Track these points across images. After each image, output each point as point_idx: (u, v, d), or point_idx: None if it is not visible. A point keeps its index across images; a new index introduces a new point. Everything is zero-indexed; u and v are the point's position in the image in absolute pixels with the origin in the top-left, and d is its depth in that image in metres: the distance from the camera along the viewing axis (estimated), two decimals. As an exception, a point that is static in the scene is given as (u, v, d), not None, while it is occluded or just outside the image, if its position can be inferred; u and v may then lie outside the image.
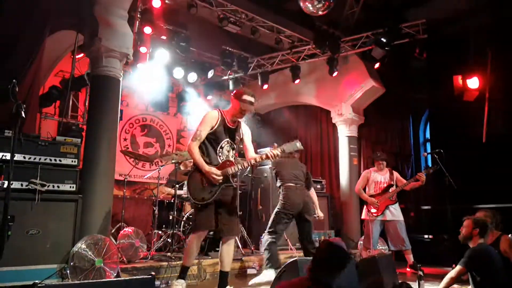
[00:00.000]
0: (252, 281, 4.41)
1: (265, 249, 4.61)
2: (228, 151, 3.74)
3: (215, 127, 3.66)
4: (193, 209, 5.77)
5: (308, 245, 4.71)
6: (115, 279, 3.89)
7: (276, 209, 4.76)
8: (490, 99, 6.55)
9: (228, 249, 3.76)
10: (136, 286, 2.33)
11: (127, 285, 2.34)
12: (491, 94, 6.54)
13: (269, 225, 4.76)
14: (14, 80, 2.88)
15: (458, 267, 3.41)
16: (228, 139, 3.73)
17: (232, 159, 3.75)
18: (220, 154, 3.67)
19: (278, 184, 4.85)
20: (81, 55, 6.32)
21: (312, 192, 5.07)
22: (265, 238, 4.69)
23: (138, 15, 6.10)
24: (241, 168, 3.68)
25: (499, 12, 6.36)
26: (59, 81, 6.70)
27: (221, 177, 3.56)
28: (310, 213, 4.79)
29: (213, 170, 3.55)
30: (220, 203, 3.67)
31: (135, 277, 3.38)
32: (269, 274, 4.41)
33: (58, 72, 6.99)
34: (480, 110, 6.54)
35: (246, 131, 3.93)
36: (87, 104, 6.65)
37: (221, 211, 3.68)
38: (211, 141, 3.67)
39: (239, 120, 3.84)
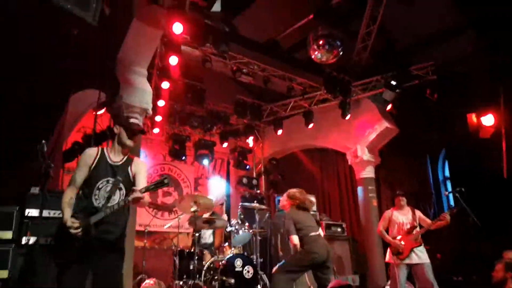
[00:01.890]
0: None
1: None
2: (110, 192, 3.02)
3: (93, 165, 3.07)
4: (211, 259, 5.73)
5: None
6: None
7: (298, 257, 4.59)
8: (507, 135, 6.52)
9: None
10: None
11: None
12: (507, 129, 6.52)
13: (288, 268, 4.58)
14: (43, 141, 3.01)
15: None
16: (109, 178, 3.06)
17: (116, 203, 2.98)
18: (96, 197, 2.99)
19: (299, 234, 4.64)
20: (103, 111, 6.62)
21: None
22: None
23: (156, 72, 6.43)
24: (107, 213, 2.91)
25: (508, 49, 6.49)
26: (81, 136, 6.98)
27: (79, 230, 2.82)
28: (331, 260, 4.71)
29: (69, 222, 2.83)
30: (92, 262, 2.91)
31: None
32: None
33: (80, 128, 7.29)
34: (497, 146, 6.50)
35: (138, 168, 3.20)
36: (108, 157, 6.84)
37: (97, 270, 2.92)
38: (86, 184, 3.05)
39: (129, 154, 3.23)
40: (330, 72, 7.16)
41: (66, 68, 5.09)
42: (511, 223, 6.02)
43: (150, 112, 5.64)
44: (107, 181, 3.05)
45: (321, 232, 4.84)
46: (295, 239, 4.58)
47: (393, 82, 6.64)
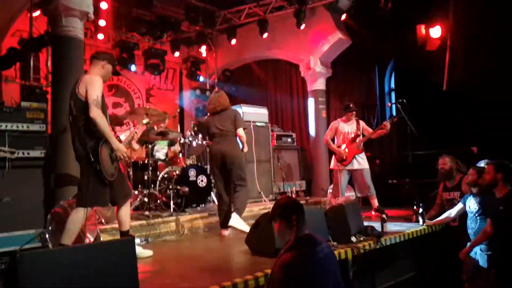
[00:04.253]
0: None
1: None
2: None
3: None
4: (165, 170, 5.85)
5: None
6: (97, 242, 3.96)
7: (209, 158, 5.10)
8: (451, 48, 6.70)
9: (127, 209, 3.65)
10: (118, 248, 2.34)
11: (109, 248, 2.33)
12: (452, 42, 6.69)
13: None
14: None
15: (489, 222, 3.46)
16: None
17: None
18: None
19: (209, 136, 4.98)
20: (38, 13, 6.01)
21: (239, 132, 4.81)
22: None
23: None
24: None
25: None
26: (17, 41, 6.40)
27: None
28: (232, 161, 4.70)
29: (122, 146, 3.47)
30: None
31: (116, 239, 3.49)
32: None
33: (15, 32, 6.65)
34: (442, 58, 6.72)
35: None
36: (49, 65, 6.41)
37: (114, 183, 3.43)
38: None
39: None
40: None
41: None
42: (446, 134, 6.51)
43: (92, 16, 5.18)
44: None
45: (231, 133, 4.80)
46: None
47: (349, -10, 6.47)
